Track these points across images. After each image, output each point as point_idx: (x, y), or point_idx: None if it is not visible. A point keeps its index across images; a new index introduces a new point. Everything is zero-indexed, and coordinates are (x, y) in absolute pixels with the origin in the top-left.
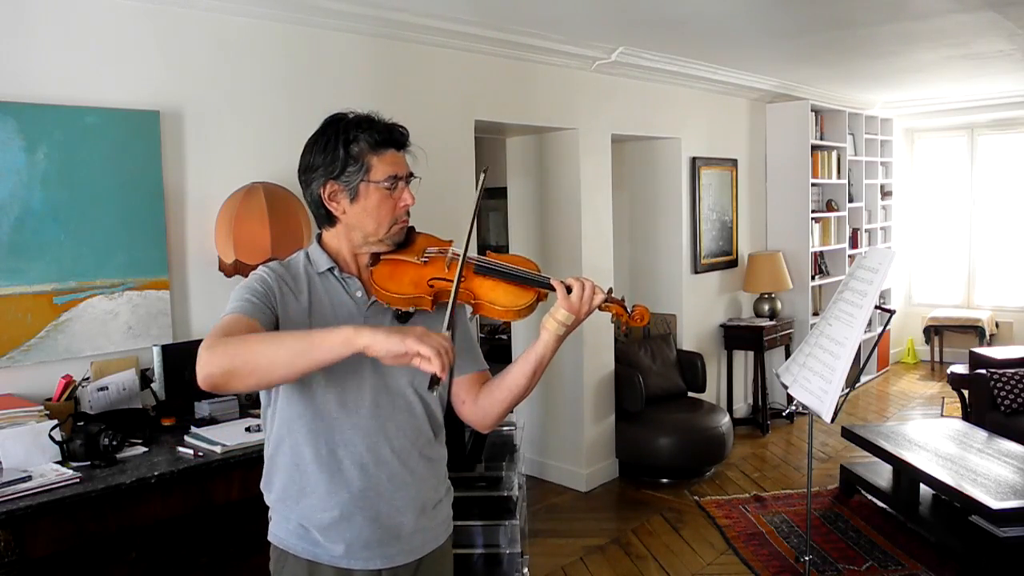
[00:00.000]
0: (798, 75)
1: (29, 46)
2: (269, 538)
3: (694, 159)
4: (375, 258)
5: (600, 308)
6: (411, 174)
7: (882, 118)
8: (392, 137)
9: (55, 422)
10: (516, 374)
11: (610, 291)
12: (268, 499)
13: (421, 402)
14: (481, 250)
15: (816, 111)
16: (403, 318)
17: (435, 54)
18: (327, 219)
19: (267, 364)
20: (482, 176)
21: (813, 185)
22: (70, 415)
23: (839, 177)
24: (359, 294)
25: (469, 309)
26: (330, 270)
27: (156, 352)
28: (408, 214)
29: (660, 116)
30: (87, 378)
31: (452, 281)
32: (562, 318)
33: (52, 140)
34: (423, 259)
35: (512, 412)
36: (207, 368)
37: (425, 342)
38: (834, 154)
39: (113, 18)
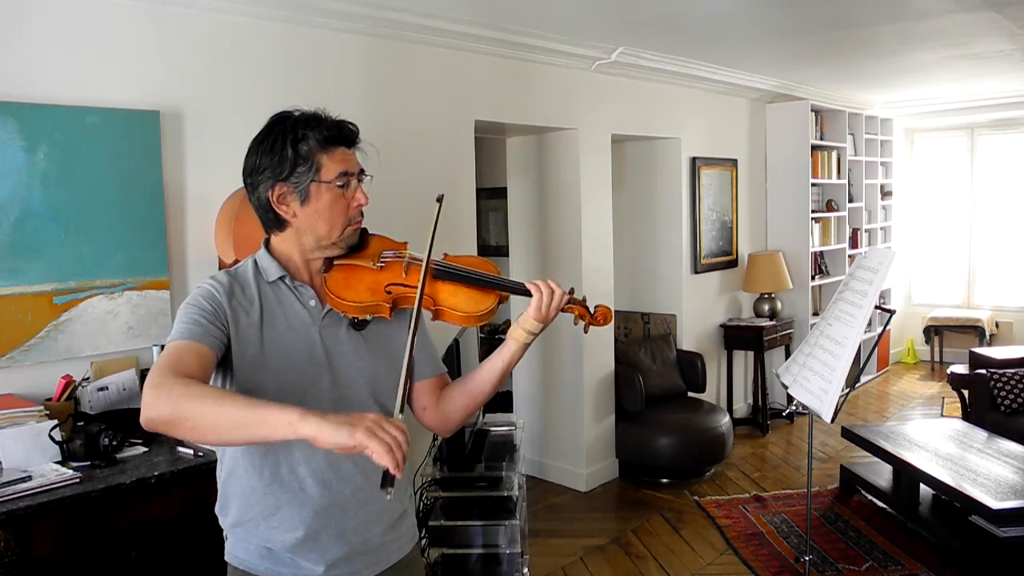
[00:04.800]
0: (798, 75)
1: (29, 46)
2: (227, 559)
3: (694, 159)
4: (328, 264)
5: (562, 310)
6: (363, 172)
7: (882, 118)
8: (342, 134)
9: (55, 422)
10: (481, 381)
11: (571, 291)
12: (223, 523)
13: (382, 412)
14: (480, 251)
15: (816, 111)
16: (359, 326)
17: (435, 54)
18: (276, 223)
19: (206, 427)
20: (438, 206)
21: (813, 185)
22: (70, 415)
23: (839, 177)
24: (313, 303)
25: (428, 315)
26: (281, 279)
27: (156, 352)
28: (361, 214)
29: (660, 116)
30: (87, 378)
31: (411, 287)
32: (531, 327)
33: (52, 140)
34: (379, 264)
35: (512, 411)
36: (149, 412)
37: (377, 435)
38: (834, 154)
39: (113, 18)
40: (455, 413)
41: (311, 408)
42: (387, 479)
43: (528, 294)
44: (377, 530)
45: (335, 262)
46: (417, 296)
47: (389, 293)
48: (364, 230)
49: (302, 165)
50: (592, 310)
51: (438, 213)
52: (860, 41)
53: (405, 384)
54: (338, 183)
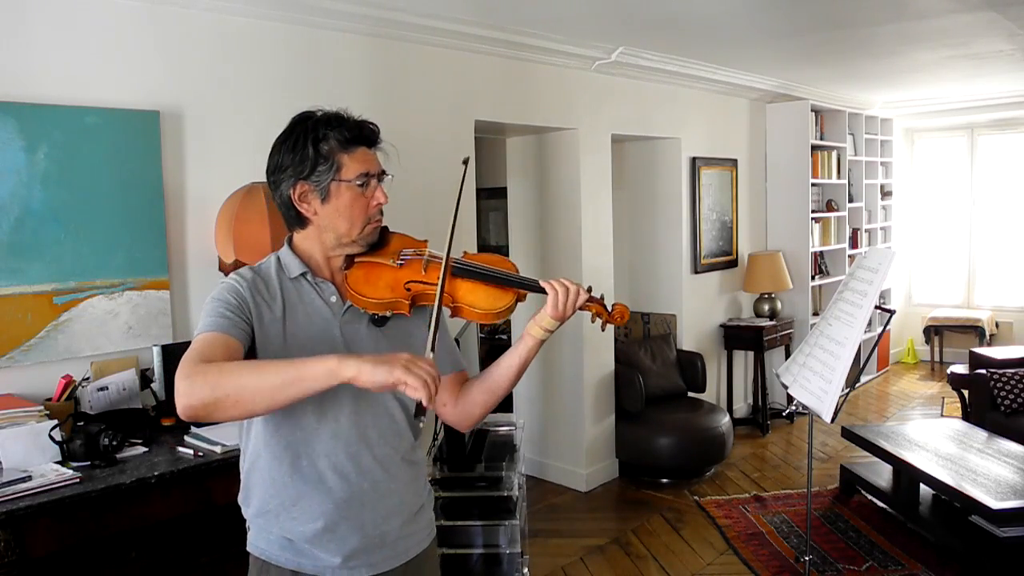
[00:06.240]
0: (798, 75)
1: (29, 46)
2: (248, 549)
3: (694, 159)
4: (349, 261)
5: (580, 307)
6: (383, 172)
7: (882, 118)
8: (362, 134)
9: (55, 422)
10: (498, 377)
11: (589, 289)
12: (246, 513)
13: (401, 406)
14: (480, 250)
15: (816, 111)
16: (379, 322)
17: (435, 54)
18: (298, 221)
19: (250, 396)
20: (464, 167)
21: (813, 185)
22: (70, 415)
23: (839, 177)
24: (333, 299)
25: (447, 312)
26: (303, 275)
27: (156, 352)
28: (381, 213)
29: (660, 116)
30: (87, 378)
31: (430, 284)
32: (548, 324)
33: (52, 140)
34: (399, 261)
35: (512, 411)
36: (187, 399)
37: (413, 371)
38: (834, 154)
39: (113, 18)
40: (474, 409)
41: (331, 403)
42: (420, 410)
43: (545, 292)
44: (395, 523)
45: (356, 259)
46: (438, 292)
47: (408, 290)
48: (384, 228)
49: (323, 164)
50: (610, 308)
51: (463, 179)
52: (860, 41)
53: (435, 329)
54: (358, 182)
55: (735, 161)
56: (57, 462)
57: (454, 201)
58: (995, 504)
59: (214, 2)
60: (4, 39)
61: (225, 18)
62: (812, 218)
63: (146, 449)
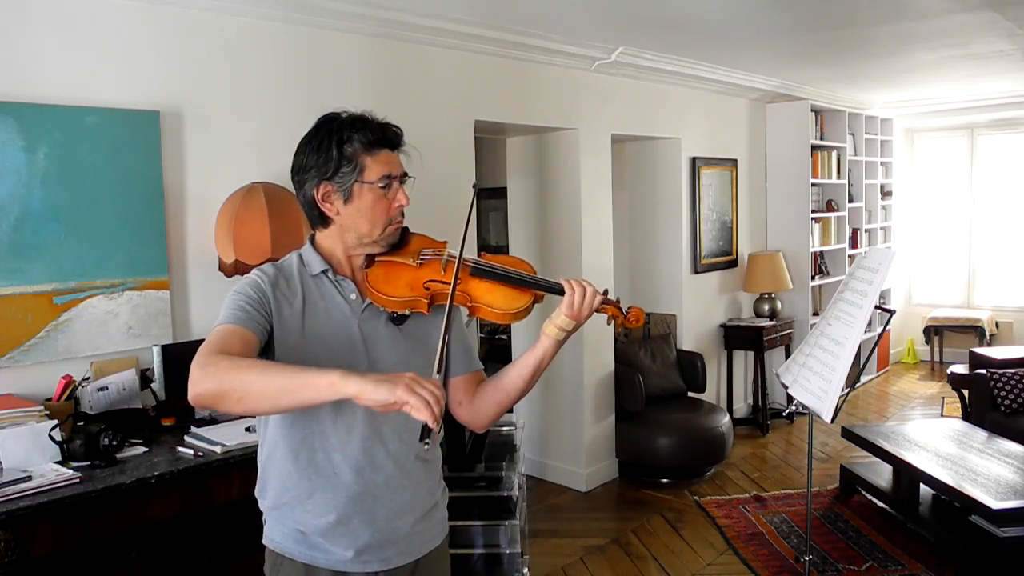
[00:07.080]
0: (798, 75)
1: (29, 46)
2: (264, 541)
3: (694, 159)
4: (370, 260)
5: (596, 310)
6: (405, 174)
7: (882, 118)
8: (386, 137)
9: (55, 422)
10: (514, 377)
11: (606, 292)
12: (262, 505)
13: None
14: (480, 250)
15: (816, 111)
16: (398, 320)
17: (435, 54)
18: (320, 220)
19: (255, 395)
20: (473, 192)
21: (813, 185)
22: (70, 415)
23: (839, 177)
24: (353, 297)
25: (465, 311)
26: (324, 272)
27: (156, 352)
28: (403, 214)
29: (660, 116)
30: (87, 378)
31: (448, 284)
32: (563, 324)
33: (52, 140)
34: (418, 261)
35: (512, 411)
36: (197, 387)
37: (416, 392)
38: (834, 154)
39: (113, 18)
40: (488, 409)
41: (347, 400)
42: (425, 432)
43: (562, 292)
44: (407, 520)
45: (376, 258)
46: (451, 289)
47: (427, 289)
48: (405, 228)
49: (346, 166)
50: (625, 311)
51: (472, 204)
52: (860, 41)
53: (443, 349)
54: (380, 184)
55: (735, 161)
56: (57, 462)
57: (463, 200)
58: (995, 504)
59: (214, 2)
60: (4, 39)
61: (225, 18)
62: (812, 218)
63: (146, 449)
